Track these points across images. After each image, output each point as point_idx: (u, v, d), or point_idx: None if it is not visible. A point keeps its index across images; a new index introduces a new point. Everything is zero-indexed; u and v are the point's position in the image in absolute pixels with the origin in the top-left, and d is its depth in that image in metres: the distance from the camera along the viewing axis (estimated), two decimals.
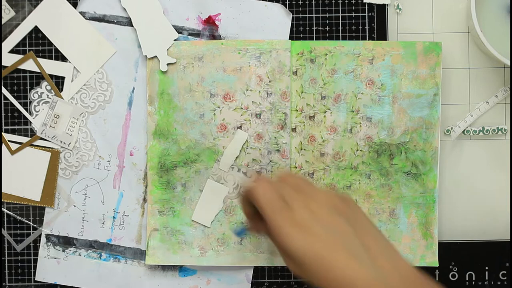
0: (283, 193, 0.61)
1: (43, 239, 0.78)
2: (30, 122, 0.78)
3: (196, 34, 0.77)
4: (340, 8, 0.77)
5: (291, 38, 0.77)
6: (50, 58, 0.77)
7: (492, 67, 0.78)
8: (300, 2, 0.77)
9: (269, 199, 0.60)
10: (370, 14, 0.77)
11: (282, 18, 0.77)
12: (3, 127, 0.78)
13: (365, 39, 0.77)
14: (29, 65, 0.77)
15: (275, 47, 0.76)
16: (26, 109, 0.78)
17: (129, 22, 0.77)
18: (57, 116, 0.77)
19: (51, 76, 0.78)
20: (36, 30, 0.77)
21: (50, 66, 0.77)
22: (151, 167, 0.77)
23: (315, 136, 0.76)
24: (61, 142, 0.77)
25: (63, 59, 0.77)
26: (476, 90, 0.78)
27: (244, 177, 0.76)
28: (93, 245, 0.78)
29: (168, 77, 0.76)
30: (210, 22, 0.77)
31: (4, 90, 0.78)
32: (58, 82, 0.78)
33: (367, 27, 0.77)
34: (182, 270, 0.78)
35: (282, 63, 0.76)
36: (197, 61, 0.76)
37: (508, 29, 0.73)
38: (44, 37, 0.77)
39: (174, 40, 0.76)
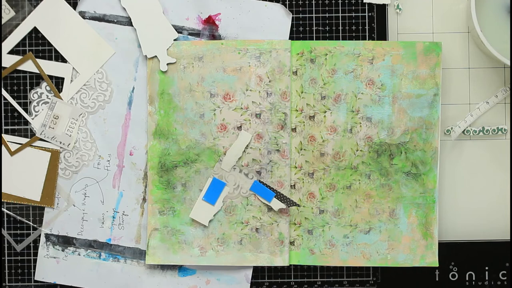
0: None
1: (42, 239, 0.78)
2: (29, 123, 0.78)
3: (196, 34, 0.77)
4: (340, 8, 0.77)
5: (291, 38, 0.77)
6: (49, 58, 0.77)
7: (492, 67, 0.78)
8: (300, 2, 0.77)
9: None
10: (370, 14, 0.77)
11: (282, 18, 0.77)
12: (3, 128, 0.78)
13: (365, 39, 0.77)
14: (28, 66, 0.77)
15: (275, 47, 0.76)
16: (26, 110, 0.78)
17: (129, 22, 0.77)
18: (56, 117, 0.77)
19: (50, 77, 0.77)
20: (35, 30, 0.77)
21: (49, 67, 0.77)
22: (151, 167, 0.77)
23: (315, 136, 0.76)
24: (60, 142, 0.77)
25: (63, 60, 0.77)
26: (476, 90, 0.78)
27: (245, 178, 0.76)
28: (92, 245, 0.78)
29: (168, 77, 0.76)
30: (210, 22, 0.77)
31: (3, 91, 0.78)
32: (58, 82, 0.78)
33: (367, 27, 0.77)
34: (181, 270, 0.78)
35: (282, 63, 0.75)
36: (197, 61, 0.76)
37: (508, 29, 0.73)
38: (43, 37, 0.77)
39: (174, 40, 0.76)
